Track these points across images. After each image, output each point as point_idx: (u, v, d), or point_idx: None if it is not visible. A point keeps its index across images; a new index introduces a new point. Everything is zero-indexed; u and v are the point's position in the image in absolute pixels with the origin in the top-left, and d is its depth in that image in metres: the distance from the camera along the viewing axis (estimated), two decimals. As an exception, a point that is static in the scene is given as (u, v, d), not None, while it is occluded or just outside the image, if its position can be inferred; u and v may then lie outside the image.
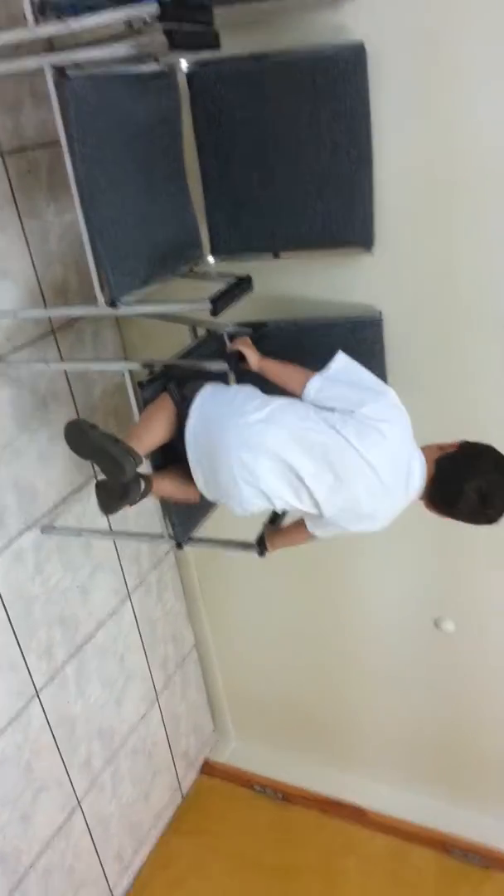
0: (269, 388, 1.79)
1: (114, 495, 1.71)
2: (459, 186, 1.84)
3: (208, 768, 3.19)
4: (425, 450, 1.70)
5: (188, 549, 2.81)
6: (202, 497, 1.88)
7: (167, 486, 1.85)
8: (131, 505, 1.73)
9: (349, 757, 2.98)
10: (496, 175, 1.79)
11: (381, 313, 2.02)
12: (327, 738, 3.00)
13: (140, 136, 1.71)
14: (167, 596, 2.87)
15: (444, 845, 2.71)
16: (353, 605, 2.65)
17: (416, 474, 1.67)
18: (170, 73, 1.81)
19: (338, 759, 3.00)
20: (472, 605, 2.42)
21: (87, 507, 2.36)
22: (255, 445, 1.64)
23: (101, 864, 2.58)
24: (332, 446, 1.63)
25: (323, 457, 1.63)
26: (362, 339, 2.04)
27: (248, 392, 1.76)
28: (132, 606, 2.64)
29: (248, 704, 3.18)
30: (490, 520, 1.66)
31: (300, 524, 1.82)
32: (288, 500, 1.69)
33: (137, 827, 2.78)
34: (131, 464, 1.63)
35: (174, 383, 1.80)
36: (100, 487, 1.78)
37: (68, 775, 2.38)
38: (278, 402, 1.70)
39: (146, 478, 1.72)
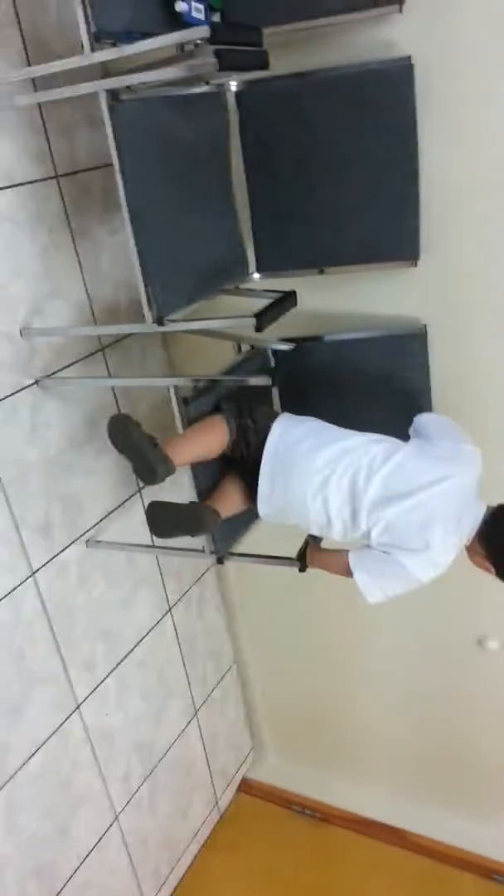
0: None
1: (182, 523, 1.83)
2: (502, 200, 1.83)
3: (246, 786, 3.17)
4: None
5: (229, 565, 2.82)
6: (244, 511, 1.94)
7: (223, 506, 1.88)
8: (195, 535, 1.85)
9: (389, 777, 2.93)
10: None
11: (425, 326, 2.01)
12: (366, 758, 2.96)
13: (189, 156, 1.73)
14: (208, 612, 2.87)
15: (487, 870, 2.65)
16: (393, 623, 2.62)
17: (472, 515, 1.70)
18: (218, 94, 1.84)
19: (376, 779, 2.96)
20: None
21: (131, 522, 2.38)
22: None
23: (138, 880, 2.58)
24: None
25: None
26: (407, 352, 2.03)
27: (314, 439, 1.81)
28: (173, 621, 2.64)
29: (286, 722, 3.15)
30: None
31: (342, 550, 1.80)
32: (345, 517, 1.74)
33: (174, 843, 2.77)
34: (164, 470, 1.71)
35: (230, 406, 1.86)
36: (160, 509, 1.87)
37: (107, 789, 2.38)
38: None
39: (215, 511, 1.81)
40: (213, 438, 1.83)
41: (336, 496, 1.73)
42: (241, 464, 1.90)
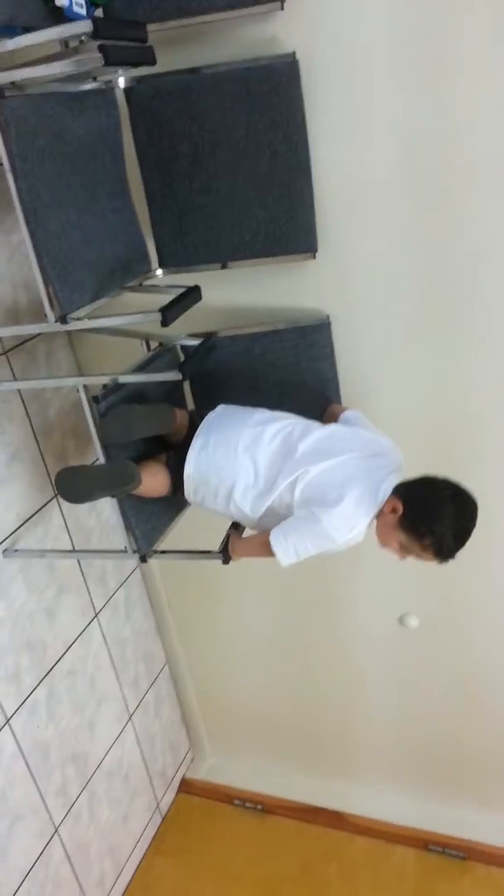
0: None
1: (99, 482, 1.84)
2: (396, 187, 1.89)
3: (186, 786, 3.16)
4: None
5: (153, 563, 2.81)
6: (165, 501, 2.00)
7: (146, 478, 1.87)
8: (116, 496, 1.87)
9: (326, 762, 2.98)
10: (430, 174, 1.85)
11: (328, 317, 2.06)
12: (303, 746, 3.00)
13: (81, 152, 1.72)
14: (135, 614, 2.85)
15: (423, 842, 2.73)
16: (322, 610, 2.67)
17: (390, 480, 1.75)
18: (107, 91, 1.83)
19: (314, 765, 3.01)
20: (435, 600, 2.46)
21: (49, 529, 2.34)
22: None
23: (83, 892, 2.53)
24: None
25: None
26: (313, 343, 2.07)
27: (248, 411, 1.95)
28: (100, 627, 2.61)
29: (222, 719, 3.16)
30: (452, 544, 1.69)
31: (265, 534, 1.83)
32: (272, 474, 1.80)
33: (118, 851, 2.73)
34: (133, 468, 1.79)
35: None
36: (72, 475, 1.89)
37: (44, 803, 2.33)
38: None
39: (138, 469, 1.82)
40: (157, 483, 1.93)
41: (266, 451, 1.82)
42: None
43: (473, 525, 1.68)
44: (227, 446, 1.85)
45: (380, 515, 1.74)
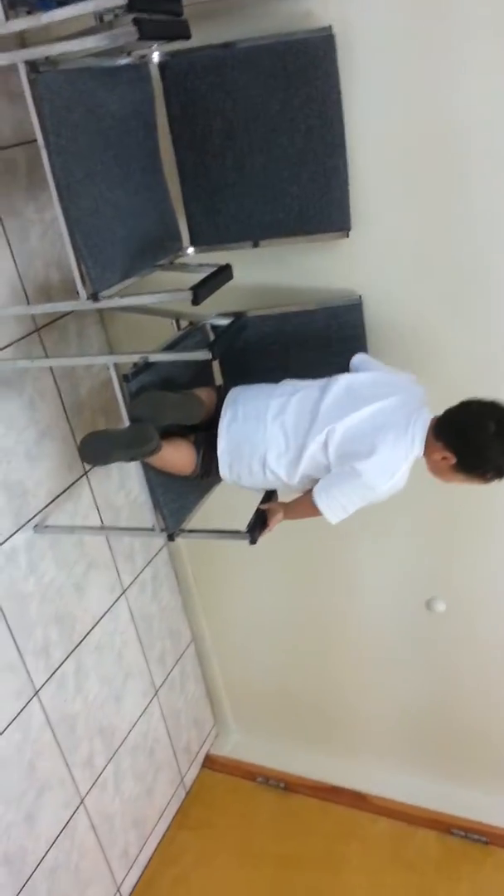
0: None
1: (119, 443, 1.83)
2: (431, 167, 1.86)
3: (210, 762, 3.20)
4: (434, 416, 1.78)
5: (180, 542, 2.82)
6: (193, 482, 2.00)
7: (168, 450, 1.88)
8: (133, 458, 1.85)
9: (349, 743, 2.99)
10: (465, 154, 1.81)
11: (360, 297, 2.04)
12: (326, 726, 3.02)
13: (114, 128, 1.71)
14: (163, 592, 2.87)
15: (446, 826, 2.73)
16: (347, 591, 2.67)
17: (421, 421, 1.75)
18: (141, 66, 1.82)
19: (338, 746, 3.02)
20: (462, 585, 2.44)
21: (79, 506, 2.36)
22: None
23: (108, 862, 2.59)
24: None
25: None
26: (344, 323, 2.06)
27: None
28: (128, 603, 2.64)
29: (247, 696, 3.18)
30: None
31: (307, 493, 1.84)
32: (299, 435, 1.83)
33: (142, 823, 2.78)
34: (153, 432, 1.78)
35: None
36: (95, 437, 1.89)
37: (71, 774, 2.38)
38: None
39: (156, 433, 1.82)
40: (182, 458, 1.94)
41: (293, 417, 1.83)
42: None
43: None
44: (257, 416, 1.86)
45: (430, 460, 1.75)
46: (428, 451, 1.75)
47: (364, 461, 1.72)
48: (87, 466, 2.37)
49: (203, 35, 1.78)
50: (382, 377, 1.91)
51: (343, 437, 1.79)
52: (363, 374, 1.93)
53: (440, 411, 1.76)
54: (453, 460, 1.70)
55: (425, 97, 1.80)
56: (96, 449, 1.90)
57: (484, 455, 1.68)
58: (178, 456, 1.92)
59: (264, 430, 1.85)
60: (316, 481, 1.83)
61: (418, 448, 1.75)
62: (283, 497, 2.03)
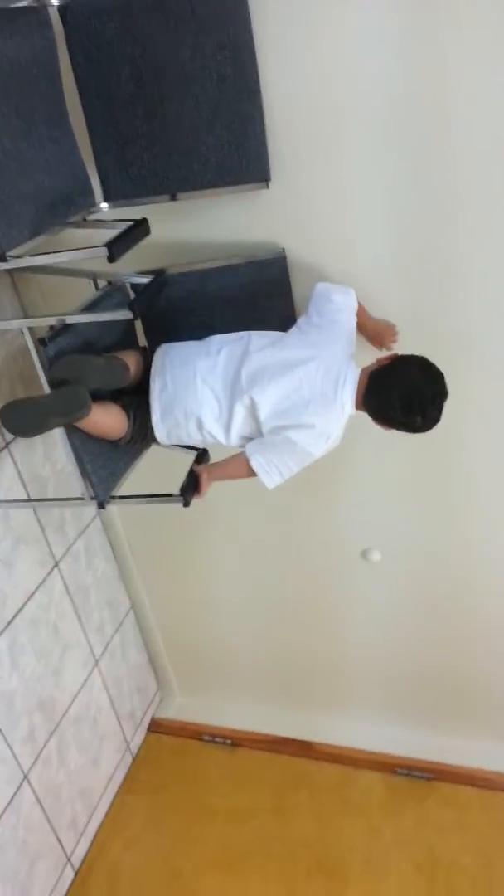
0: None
1: (46, 409, 1.74)
2: (349, 113, 1.82)
3: (155, 726, 3.20)
4: (363, 368, 1.81)
5: (113, 510, 2.78)
6: (122, 448, 1.97)
7: (98, 412, 1.81)
8: (70, 422, 1.78)
9: (292, 695, 3.04)
10: (382, 98, 1.78)
11: (283, 250, 2.00)
12: (269, 680, 3.06)
13: (14, 77, 1.60)
14: (97, 562, 2.82)
15: (390, 766, 2.82)
16: (283, 548, 2.68)
17: (348, 384, 1.77)
18: (40, 9, 1.70)
19: (282, 698, 3.06)
20: (397, 534, 2.48)
21: (2, 481, 2.28)
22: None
23: (56, 834, 2.57)
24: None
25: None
26: (268, 278, 2.02)
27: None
28: (61, 576, 2.58)
29: (189, 658, 3.19)
30: (420, 427, 1.74)
31: (239, 454, 1.83)
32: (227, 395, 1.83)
33: (89, 792, 2.77)
34: (84, 392, 1.71)
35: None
36: (19, 407, 1.79)
37: (11, 751, 2.33)
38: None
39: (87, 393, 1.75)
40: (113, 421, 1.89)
41: (219, 378, 1.83)
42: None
43: (432, 398, 1.72)
44: (186, 381, 1.83)
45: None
46: (357, 407, 1.81)
47: (300, 431, 1.76)
48: (10, 438, 2.28)
49: (105, -26, 1.68)
50: (303, 337, 1.89)
51: (273, 411, 1.79)
52: (282, 335, 1.91)
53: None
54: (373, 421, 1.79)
55: (340, 42, 1.74)
56: (25, 419, 1.79)
57: (394, 425, 1.77)
58: (109, 419, 1.86)
59: (195, 394, 1.82)
60: (250, 440, 1.82)
61: (349, 409, 1.79)
62: (217, 455, 2.00)
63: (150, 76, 1.78)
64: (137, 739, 3.12)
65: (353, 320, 1.93)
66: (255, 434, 1.83)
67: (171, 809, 2.85)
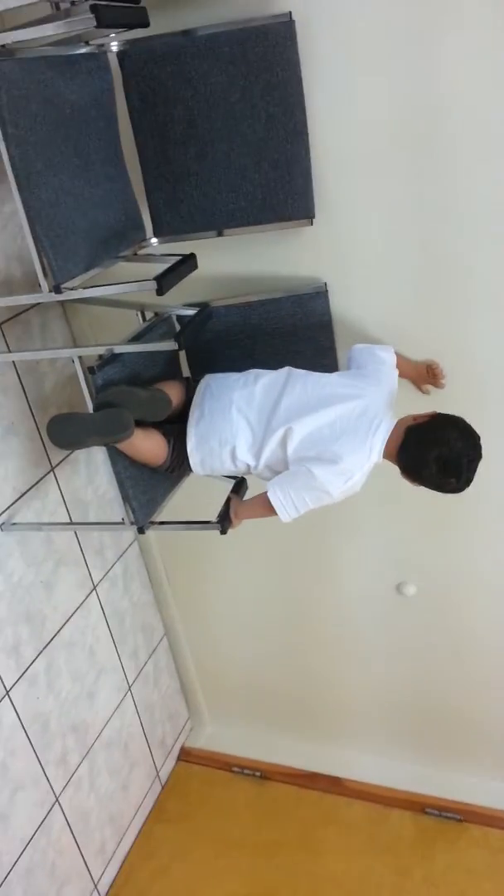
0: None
1: (90, 426, 1.80)
2: (395, 152, 1.86)
3: (186, 754, 3.20)
4: (400, 420, 1.79)
5: (151, 536, 2.81)
6: (162, 475, 2.00)
7: (140, 436, 1.86)
8: (108, 443, 1.83)
9: (323, 729, 3.02)
10: (429, 139, 1.82)
11: (325, 285, 2.04)
12: (301, 713, 3.04)
13: (74, 118, 1.69)
14: (134, 586, 2.86)
15: (420, 806, 2.77)
16: (317, 579, 2.68)
17: (382, 430, 1.76)
18: (100, 55, 1.79)
19: (312, 732, 3.04)
20: (431, 568, 2.47)
21: (47, 503, 2.33)
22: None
23: (84, 859, 2.57)
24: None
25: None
26: (310, 311, 2.06)
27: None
28: (98, 599, 2.62)
29: (221, 688, 3.19)
30: (454, 489, 1.72)
31: (263, 493, 1.84)
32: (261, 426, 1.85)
33: (118, 818, 2.77)
34: (128, 416, 1.76)
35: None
36: (65, 421, 1.86)
37: (44, 772, 2.36)
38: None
39: (130, 417, 1.80)
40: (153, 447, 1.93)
41: (255, 408, 1.85)
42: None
43: (467, 463, 1.70)
44: (222, 411, 1.87)
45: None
46: (387, 457, 1.78)
47: (322, 465, 1.74)
48: (54, 462, 2.34)
49: (162, 23, 1.76)
50: (347, 379, 1.91)
51: (302, 441, 1.79)
52: (326, 375, 1.92)
53: (405, 410, 1.80)
54: (405, 477, 1.77)
55: (387, 83, 1.80)
56: (69, 433, 1.87)
57: (425, 483, 1.74)
58: (150, 445, 1.90)
59: (231, 425, 1.85)
60: (276, 473, 1.84)
61: (376, 457, 1.77)
62: (254, 483, 2.03)
63: (202, 117, 1.85)
64: (167, 767, 3.12)
65: (395, 374, 1.95)
66: (281, 465, 1.83)
67: (199, 840, 2.84)
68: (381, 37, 1.76)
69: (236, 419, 1.85)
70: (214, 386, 1.94)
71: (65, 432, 1.87)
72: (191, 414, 1.90)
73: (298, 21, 1.76)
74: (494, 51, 1.69)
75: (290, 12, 1.74)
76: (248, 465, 1.88)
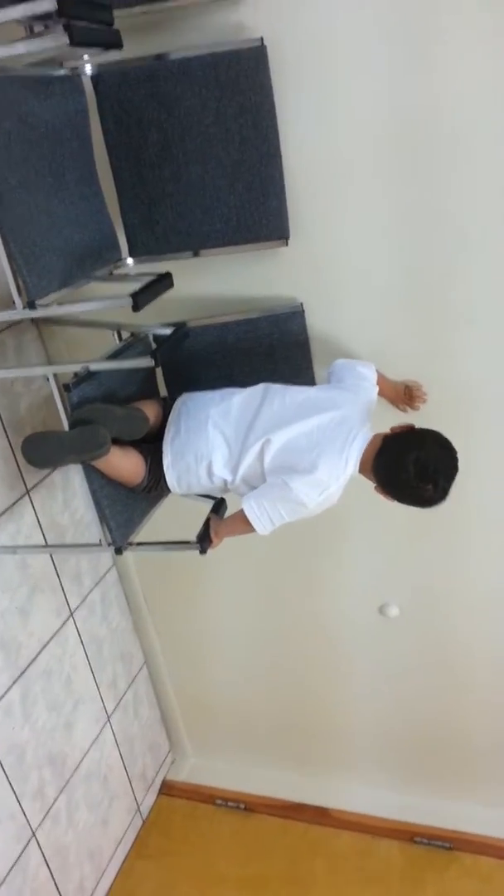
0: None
1: (66, 444, 1.77)
2: (367, 172, 1.89)
3: (167, 788, 3.12)
4: (377, 434, 1.78)
5: (129, 561, 2.78)
6: (139, 496, 1.97)
7: (117, 454, 1.84)
8: (84, 461, 1.80)
9: (308, 758, 2.96)
10: (399, 158, 1.85)
11: (302, 305, 2.05)
12: (284, 743, 2.98)
13: (48, 137, 1.70)
14: (112, 614, 2.81)
15: (409, 834, 2.72)
16: (299, 606, 2.65)
17: (358, 441, 1.75)
18: (74, 77, 1.81)
19: (297, 761, 2.98)
20: (414, 589, 2.45)
21: (21, 527, 2.29)
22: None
23: (62, 897, 2.49)
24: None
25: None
26: (286, 331, 2.07)
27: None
28: (76, 626, 2.57)
29: (203, 718, 3.12)
30: (429, 498, 1.70)
31: (240, 510, 1.82)
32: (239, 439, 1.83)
33: (97, 854, 2.68)
34: (105, 433, 1.73)
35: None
36: (40, 440, 1.83)
37: (20, 805, 2.28)
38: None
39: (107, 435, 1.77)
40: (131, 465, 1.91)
41: (232, 422, 1.85)
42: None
43: (440, 480, 1.69)
44: (198, 428, 1.85)
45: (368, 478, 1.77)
46: (363, 470, 1.77)
47: (296, 477, 1.72)
48: (30, 485, 2.31)
49: (136, 47, 1.79)
50: (324, 391, 1.91)
51: (278, 450, 1.78)
52: (304, 388, 1.92)
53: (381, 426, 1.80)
54: (379, 490, 1.75)
55: (357, 105, 1.83)
56: (44, 451, 1.84)
57: (401, 492, 1.73)
58: (127, 463, 1.88)
59: (206, 440, 1.84)
60: (252, 488, 1.82)
61: (352, 468, 1.75)
62: (233, 505, 2.02)
63: (176, 139, 1.87)
64: (148, 801, 3.04)
65: (375, 390, 1.95)
66: (258, 479, 1.81)
67: (182, 876, 2.75)
68: (353, 63, 1.80)
69: (213, 435, 1.84)
70: (191, 404, 1.93)
71: (40, 451, 1.84)
72: (167, 431, 1.89)
73: (271, 46, 1.79)
74: (473, 73, 1.73)
75: (262, 38, 1.78)
76: (225, 481, 1.86)
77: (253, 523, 1.75)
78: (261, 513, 1.75)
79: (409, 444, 1.72)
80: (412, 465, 1.66)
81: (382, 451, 1.73)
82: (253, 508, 1.75)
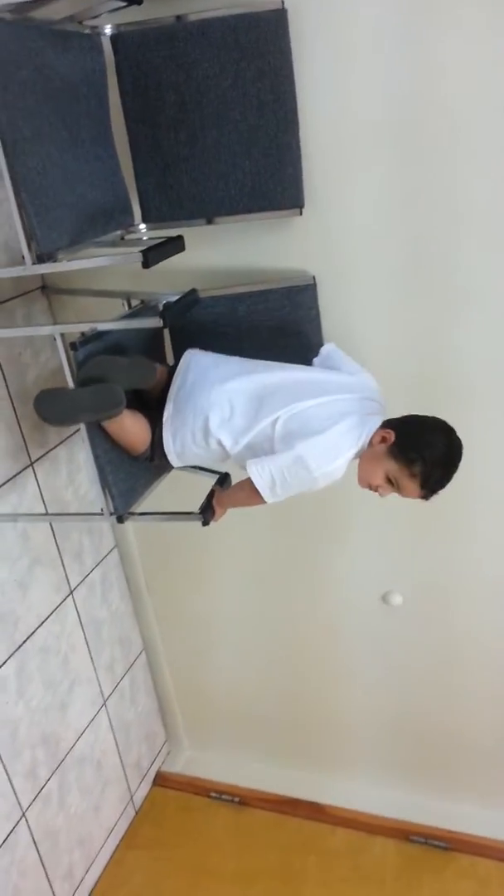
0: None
1: (80, 402, 1.75)
2: (385, 144, 1.86)
3: (162, 779, 3.06)
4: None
5: (132, 541, 2.74)
6: (143, 462, 1.93)
7: (128, 416, 1.81)
8: (101, 419, 1.78)
9: (305, 753, 2.90)
10: (419, 130, 1.83)
11: (314, 278, 2.02)
12: (281, 737, 2.92)
13: (65, 92, 1.68)
14: (112, 596, 2.76)
15: (405, 833, 2.65)
16: (302, 597, 2.60)
17: (373, 423, 1.74)
18: (93, 37, 1.80)
19: (293, 757, 2.92)
20: (418, 578, 2.40)
21: (24, 498, 2.26)
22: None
23: (50, 883, 2.42)
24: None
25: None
26: (298, 304, 2.04)
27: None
28: (75, 605, 2.53)
29: (200, 709, 3.07)
30: (439, 479, 1.68)
31: (247, 479, 1.78)
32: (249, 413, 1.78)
33: (88, 841, 2.62)
34: (120, 391, 1.72)
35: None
36: (55, 396, 1.81)
37: (11, 784, 2.23)
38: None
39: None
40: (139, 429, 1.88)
41: (245, 387, 1.80)
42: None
43: (458, 462, 1.68)
44: (203, 382, 1.82)
45: (367, 449, 1.72)
46: (371, 441, 1.74)
47: (307, 438, 1.69)
48: (34, 457, 2.28)
49: (156, 7, 1.78)
50: (345, 379, 1.89)
51: (297, 416, 1.75)
52: (336, 373, 1.90)
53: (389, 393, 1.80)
54: (391, 439, 1.69)
55: (379, 76, 1.81)
56: (59, 408, 1.81)
57: (425, 440, 1.68)
58: (136, 426, 1.85)
59: (208, 394, 1.80)
60: (255, 455, 1.77)
61: (364, 442, 1.72)
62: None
63: (193, 102, 1.85)
64: (142, 791, 2.98)
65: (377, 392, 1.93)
66: (267, 443, 1.77)
67: (174, 868, 2.69)
68: (374, 31, 1.77)
69: (216, 391, 1.80)
70: (201, 358, 1.91)
71: (55, 407, 1.82)
72: (172, 383, 1.86)
73: (292, 12, 1.77)
74: (491, 45, 1.70)
75: (283, 0, 1.76)
76: (222, 445, 1.79)
77: (258, 486, 1.71)
78: (266, 476, 1.70)
79: (432, 421, 1.73)
80: (443, 434, 1.68)
81: (404, 421, 1.72)
82: (259, 472, 1.71)
